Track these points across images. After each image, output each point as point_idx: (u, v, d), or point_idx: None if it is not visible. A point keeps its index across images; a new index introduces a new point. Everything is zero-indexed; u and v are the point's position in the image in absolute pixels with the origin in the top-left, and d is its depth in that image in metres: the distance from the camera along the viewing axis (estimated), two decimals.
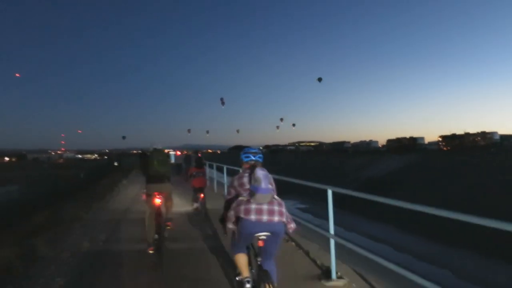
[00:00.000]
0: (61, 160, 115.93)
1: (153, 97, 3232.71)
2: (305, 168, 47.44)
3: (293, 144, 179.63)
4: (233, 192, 3.51)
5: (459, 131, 63.05)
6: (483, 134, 50.44)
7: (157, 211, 5.49)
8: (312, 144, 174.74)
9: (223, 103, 78.22)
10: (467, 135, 52.97)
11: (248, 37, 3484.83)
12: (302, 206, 25.69)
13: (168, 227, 5.88)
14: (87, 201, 9.97)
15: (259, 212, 3.12)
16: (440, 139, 58.89)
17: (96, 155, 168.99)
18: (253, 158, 3.54)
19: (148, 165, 5.58)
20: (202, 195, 8.32)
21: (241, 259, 3.39)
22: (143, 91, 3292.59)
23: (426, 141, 63.51)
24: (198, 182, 8.37)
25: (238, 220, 3.26)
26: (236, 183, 3.47)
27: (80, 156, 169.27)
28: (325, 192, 4.42)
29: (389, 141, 67.69)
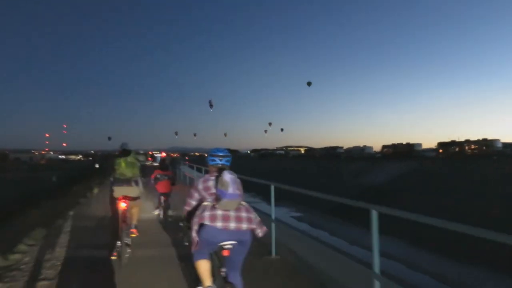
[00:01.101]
0: (43, 161, 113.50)
1: (140, 99, 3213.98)
2: (298, 174, 45.54)
3: (281, 148, 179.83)
4: (196, 195, 3.20)
5: (460, 138, 61.66)
6: (485, 141, 48.71)
7: (121, 216, 5.15)
8: (301, 149, 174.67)
9: (211, 105, 77.28)
10: (467, 142, 51.27)
11: (237, 40, 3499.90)
12: (297, 214, 23.86)
13: (133, 234, 5.64)
14: (20, 233, 6.40)
15: (226, 219, 2.88)
16: (437, 146, 57.16)
17: (80, 156, 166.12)
18: (219, 162, 3.24)
19: (115, 167, 5.36)
20: (164, 200, 7.73)
21: (203, 267, 3.01)
22: (130, 93, 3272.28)
23: (423, 147, 62.20)
24: (161, 187, 7.74)
25: (201, 226, 2.94)
26: (201, 186, 3.14)
27: (63, 156, 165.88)
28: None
29: (384, 147, 65.92)
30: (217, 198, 2.91)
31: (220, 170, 3.06)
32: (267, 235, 4.60)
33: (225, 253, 2.97)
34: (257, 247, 4.93)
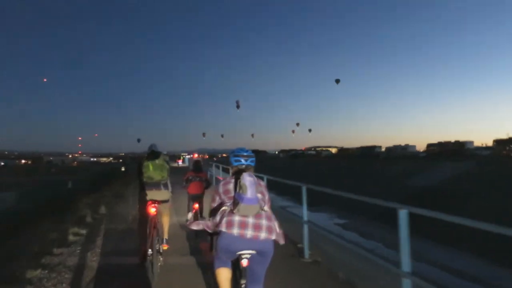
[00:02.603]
0: (75, 163, 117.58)
1: (169, 100, 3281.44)
2: (334, 175, 42.37)
3: (309, 148, 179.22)
4: (218, 199, 2.95)
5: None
6: None
7: (151, 222, 4.78)
8: (331, 149, 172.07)
9: (238, 106, 75.79)
10: None
11: (264, 39, 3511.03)
12: (341, 221, 20.99)
13: (164, 247, 5.42)
14: None
15: (243, 225, 2.60)
16: (493, 143, 51.84)
17: (111, 158, 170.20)
18: (244, 163, 2.96)
19: (142, 170, 5.18)
20: (197, 204, 7.33)
21: (223, 275, 2.77)
22: (159, 94, 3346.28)
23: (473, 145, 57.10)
24: (194, 188, 7.34)
25: (219, 233, 2.69)
26: (221, 189, 2.92)
27: (94, 159, 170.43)
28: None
29: (429, 145, 60.74)
30: (235, 203, 2.63)
31: (240, 172, 2.77)
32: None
33: (244, 263, 2.68)
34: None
